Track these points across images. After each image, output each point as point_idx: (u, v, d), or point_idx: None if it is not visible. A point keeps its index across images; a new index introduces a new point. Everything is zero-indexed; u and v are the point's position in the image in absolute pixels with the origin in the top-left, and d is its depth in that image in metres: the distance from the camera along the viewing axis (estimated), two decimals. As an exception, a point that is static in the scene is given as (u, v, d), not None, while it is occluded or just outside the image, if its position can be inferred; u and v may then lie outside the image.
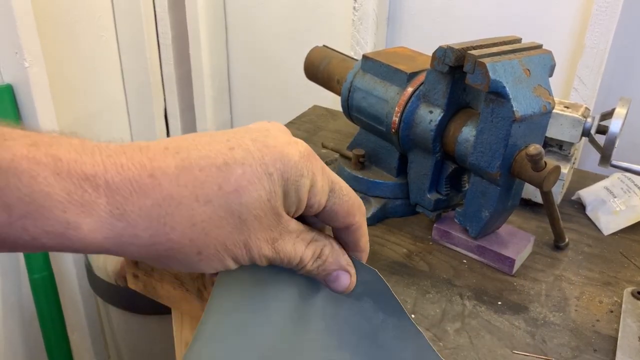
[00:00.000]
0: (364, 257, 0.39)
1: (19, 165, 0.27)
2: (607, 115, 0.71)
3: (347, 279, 0.37)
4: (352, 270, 0.37)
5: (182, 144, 0.31)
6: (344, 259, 0.37)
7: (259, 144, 0.32)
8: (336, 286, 0.37)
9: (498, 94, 0.55)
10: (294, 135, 0.35)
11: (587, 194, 0.77)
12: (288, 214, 0.33)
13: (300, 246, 0.34)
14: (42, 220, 0.27)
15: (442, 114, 0.63)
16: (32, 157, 0.27)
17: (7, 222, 0.27)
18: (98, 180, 0.28)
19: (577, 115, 0.70)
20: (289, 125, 0.99)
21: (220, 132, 0.33)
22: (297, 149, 0.33)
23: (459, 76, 0.60)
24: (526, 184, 0.62)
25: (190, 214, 0.30)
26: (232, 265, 0.33)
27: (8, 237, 0.28)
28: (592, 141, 0.72)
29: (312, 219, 0.37)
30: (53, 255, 1.21)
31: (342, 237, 0.38)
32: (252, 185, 0.31)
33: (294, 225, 0.34)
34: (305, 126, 0.99)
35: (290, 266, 0.35)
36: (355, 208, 0.36)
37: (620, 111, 0.68)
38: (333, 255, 0.36)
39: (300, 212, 0.34)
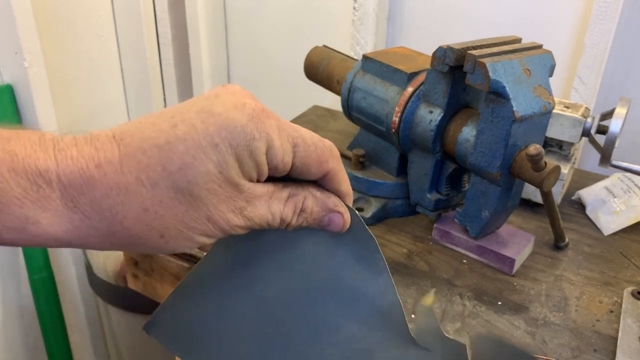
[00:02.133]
0: (349, 200, 0.38)
1: None
2: (607, 115, 0.71)
3: (339, 219, 0.36)
4: (343, 209, 0.36)
5: (128, 129, 0.32)
6: (331, 202, 0.36)
7: (204, 115, 0.31)
8: (331, 228, 0.37)
9: (498, 94, 0.55)
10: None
11: (587, 194, 0.77)
12: (251, 180, 0.32)
13: (276, 206, 0.34)
14: (1, 216, 0.28)
15: (442, 114, 0.63)
16: None
17: None
18: (50, 175, 0.29)
19: (577, 115, 0.70)
20: (289, 125, 0.99)
21: (168, 109, 0.33)
22: (245, 111, 0.31)
23: (459, 76, 0.60)
24: (526, 184, 0.62)
25: (140, 200, 0.30)
26: (206, 240, 0.32)
27: None
28: (592, 141, 0.72)
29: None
30: (53, 256, 1.21)
31: (322, 186, 0.37)
32: (197, 160, 0.30)
33: (261, 188, 0.33)
34: (305, 126, 0.98)
35: (274, 227, 0.34)
36: (326, 154, 0.35)
37: (620, 111, 0.68)
38: (318, 203, 0.36)
39: (265, 176, 0.33)
